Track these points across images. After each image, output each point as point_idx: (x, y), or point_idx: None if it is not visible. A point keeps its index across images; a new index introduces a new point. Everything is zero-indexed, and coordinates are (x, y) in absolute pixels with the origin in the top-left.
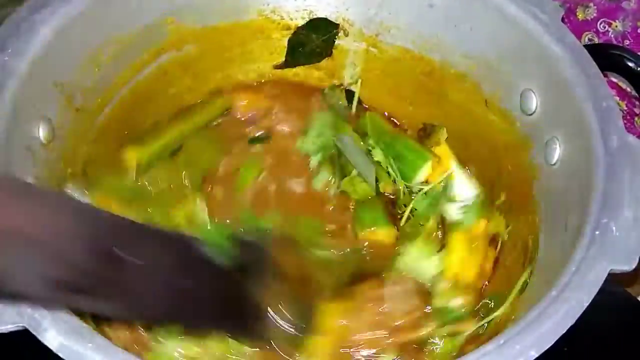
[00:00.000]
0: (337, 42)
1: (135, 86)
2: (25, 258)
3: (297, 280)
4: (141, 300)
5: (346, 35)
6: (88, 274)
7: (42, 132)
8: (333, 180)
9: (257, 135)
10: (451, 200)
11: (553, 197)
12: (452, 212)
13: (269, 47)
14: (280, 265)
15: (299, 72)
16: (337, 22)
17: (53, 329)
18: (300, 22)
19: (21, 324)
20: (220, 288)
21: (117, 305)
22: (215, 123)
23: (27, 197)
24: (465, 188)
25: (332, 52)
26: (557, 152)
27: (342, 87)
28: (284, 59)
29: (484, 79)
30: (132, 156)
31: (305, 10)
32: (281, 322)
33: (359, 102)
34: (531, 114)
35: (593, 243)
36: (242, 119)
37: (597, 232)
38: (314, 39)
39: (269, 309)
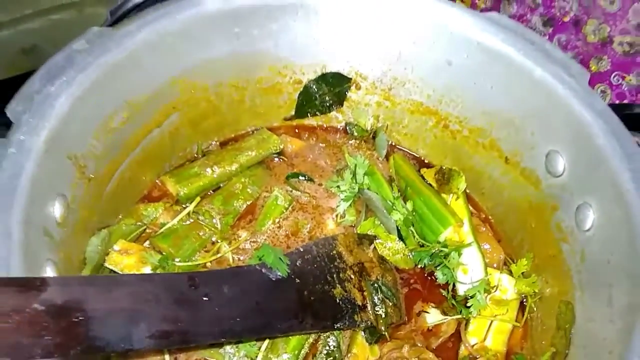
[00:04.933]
0: (348, 94)
1: (145, 147)
2: (130, 324)
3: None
4: (222, 322)
5: (358, 88)
6: (176, 318)
7: (57, 210)
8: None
9: (294, 172)
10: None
11: (589, 266)
12: (460, 289)
13: (278, 100)
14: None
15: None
16: (350, 77)
17: None
18: (312, 76)
19: None
20: (285, 292)
21: (203, 331)
22: (264, 163)
23: (118, 285)
24: (475, 265)
25: (343, 104)
26: (590, 219)
27: (367, 132)
28: (293, 111)
29: (505, 136)
30: (173, 188)
31: (318, 65)
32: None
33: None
34: (558, 176)
35: None
36: (288, 159)
37: None
38: (326, 91)
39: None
